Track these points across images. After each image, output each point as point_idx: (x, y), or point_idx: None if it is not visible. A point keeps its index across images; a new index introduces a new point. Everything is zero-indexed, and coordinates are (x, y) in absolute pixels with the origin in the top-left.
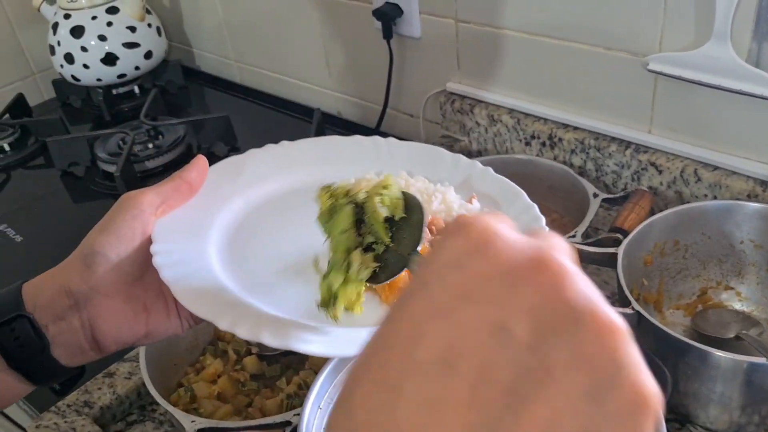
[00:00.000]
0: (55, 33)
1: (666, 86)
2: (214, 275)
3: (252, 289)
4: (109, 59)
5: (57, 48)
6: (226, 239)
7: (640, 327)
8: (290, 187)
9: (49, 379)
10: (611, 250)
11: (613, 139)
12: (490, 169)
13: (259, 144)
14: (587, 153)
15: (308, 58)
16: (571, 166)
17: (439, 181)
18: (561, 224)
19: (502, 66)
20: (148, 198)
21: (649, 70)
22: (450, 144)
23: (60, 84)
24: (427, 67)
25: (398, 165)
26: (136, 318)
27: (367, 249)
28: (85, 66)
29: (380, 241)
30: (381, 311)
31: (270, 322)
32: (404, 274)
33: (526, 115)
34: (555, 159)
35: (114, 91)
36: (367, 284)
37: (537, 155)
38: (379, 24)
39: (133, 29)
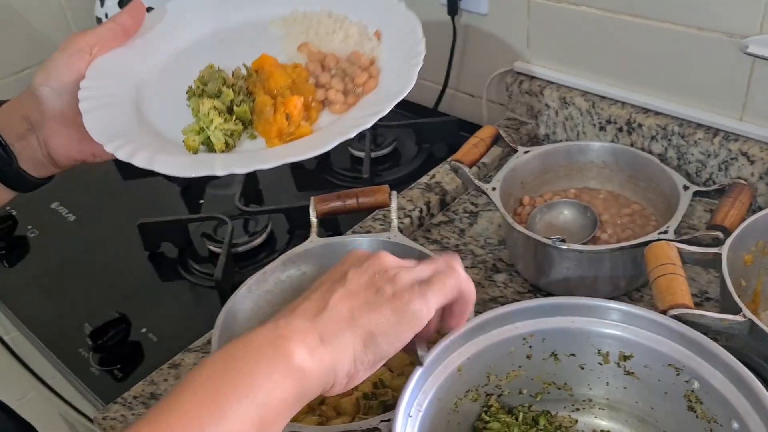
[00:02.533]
0: (102, 5)
1: (765, 71)
2: (130, 110)
3: (159, 122)
4: None
5: (105, 21)
6: (151, 79)
7: (751, 335)
8: (215, 28)
9: (23, 185)
10: (713, 250)
11: (699, 125)
12: (403, 5)
13: None
14: (669, 140)
15: None
16: (650, 153)
17: (357, 15)
18: (643, 216)
19: (577, 45)
20: (86, 38)
21: (747, 53)
22: (516, 127)
23: None
24: (493, 45)
25: (321, 1)
26: (80, 140)
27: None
28: None
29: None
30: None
31: (149, 146)
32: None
33: (602, 98)
34: (632, 145)
35: None
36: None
37: (612, 141)
38: None
39: None
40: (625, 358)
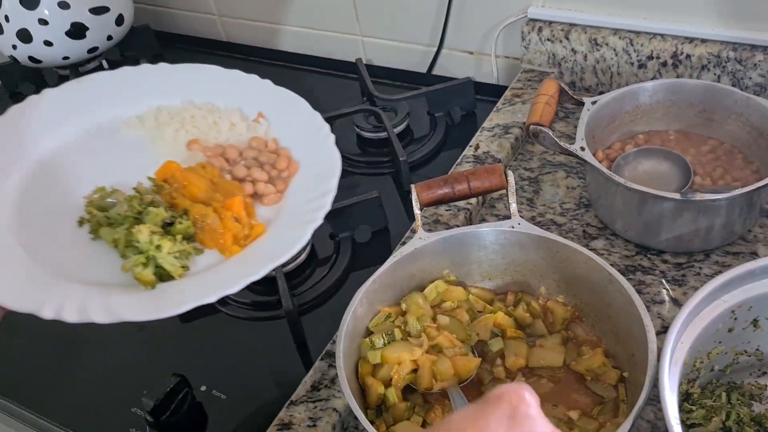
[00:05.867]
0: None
1: None
2: (18, 259)
3: (59, 263)
4: (77, 31)
5: (6, 25)
6: (17, 212)
7: None
8: (59, 147)
9: None
10: None
11: (755, 47)
12: (269, 82)
13: None
14: (723, 67)
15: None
16: None
17: (224, 101)
18: (725, 150)
19: None
20: None
21: None
22: (538, 79)
23: (9, 70)
24: None
25: (178, 93)
26: None
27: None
28: (47, 43)
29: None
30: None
31: (94, 298)
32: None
33: (638, 33)
34: (679, 78)
35: (80, 69)
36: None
37: (653, 77)
38: None
39: None
40: None
